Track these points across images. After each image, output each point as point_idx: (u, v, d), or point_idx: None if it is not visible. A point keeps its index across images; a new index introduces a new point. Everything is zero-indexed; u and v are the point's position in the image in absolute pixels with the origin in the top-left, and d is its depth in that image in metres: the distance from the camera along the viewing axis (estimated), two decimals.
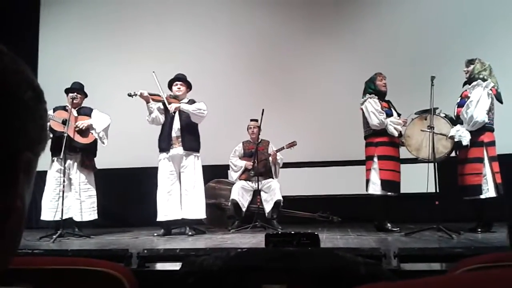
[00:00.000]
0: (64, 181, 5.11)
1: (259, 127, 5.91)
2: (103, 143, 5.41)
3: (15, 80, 0.47)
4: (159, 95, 5.26)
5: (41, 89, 0.52)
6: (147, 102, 5.24)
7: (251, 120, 6.12)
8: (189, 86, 5.44)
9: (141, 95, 5.18)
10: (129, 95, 5.23)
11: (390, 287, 0.35)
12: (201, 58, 7.21)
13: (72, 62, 7.60)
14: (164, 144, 5.28)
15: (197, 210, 5.20)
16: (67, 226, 5.10)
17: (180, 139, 5.21)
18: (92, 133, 5.35)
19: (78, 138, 5.22)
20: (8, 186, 0.47)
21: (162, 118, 5.31)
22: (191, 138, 5.24)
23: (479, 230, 4.54)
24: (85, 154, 5.34)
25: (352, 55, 6.98)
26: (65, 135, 4.96)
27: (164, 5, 7.68)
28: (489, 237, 4.22)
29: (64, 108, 5.32)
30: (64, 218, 5.00)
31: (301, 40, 7.25)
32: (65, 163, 5.15)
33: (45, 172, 5.31)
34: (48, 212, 5.12)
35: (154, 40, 7.53)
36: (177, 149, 5.22)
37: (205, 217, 5.33)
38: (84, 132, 5.28)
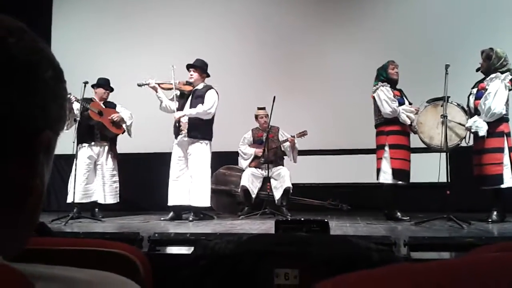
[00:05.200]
0: (90, 166, 5.60)
1: (268, 116, 5.89)
2: (129, 135, 5.85)
3: (36, 59, 0.47)
4: (169, 83, 5.30)
5: (61, 68, 0.52)
6: (156, 91, 5.30)
7: (259, 108, 6.08)
8: (203, 72, 5.40)
9: (149, 85, 5.26)
10: (139, 85, 5.35)
11: (412, 268, 0.35)
12: (213, 45, 7.17)
13: (82, 47, 7.63)
14: (175, 130, 5.34)
15: (200, 197, 5.15)
16: (87, 209, 5.54)
17: (187, 126, 5.23)
18: (122, 125, 5.75)
19: (112, 129, 5.65)
20: (28, 165, 0.47)
21: (172, 106, 5.34)
22: (197, 126, 5.20)
23: (490, 220, 4.53)
24: (112, 142, 5.77)
25: (364, 44, 6.90)
26: (94, 123, 5.50)
27: None
28: (500, 227, 4.20)
29: (91, 100, 5.62)
30: (88, 201, 5.52)
31: (313, 29, 7.19)
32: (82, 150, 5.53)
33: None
34: (77, 195, 5.33)
35: (167, 27, 7.52)
36: (184, 136, 5.25)
37: (209, 205, 5.28)
38: (117, 124, 5.68)
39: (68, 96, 5.01)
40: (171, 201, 5.25)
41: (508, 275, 0.33)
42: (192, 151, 5.23)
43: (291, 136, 5.94)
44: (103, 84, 5.74)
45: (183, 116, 5.21)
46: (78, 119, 5.22)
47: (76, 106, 5.33)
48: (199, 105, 5.20)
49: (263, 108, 6.01)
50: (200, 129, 5.23)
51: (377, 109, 5.12)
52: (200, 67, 5.38)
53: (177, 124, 5.29)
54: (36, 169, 0.48)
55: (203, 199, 5.18)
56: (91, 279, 0.47)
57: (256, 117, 6.12)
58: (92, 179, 5.60)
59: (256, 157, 6.01)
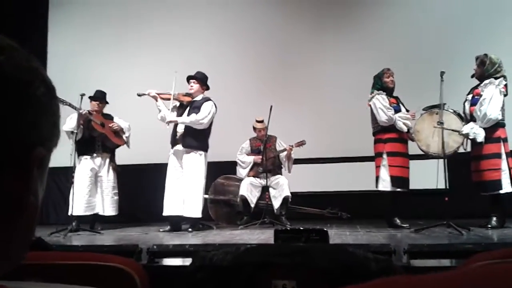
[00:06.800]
0: (92, 178, 5.63)
1: (266, 127, 5.89)
2: (128, 146, 5.91)
3: (28, 76, 0.47)
4: (168, 93, 5.36)
5: (53, 85, 0.52)
6: (156, 100, 5.40)
7: (257, 121, 6.07)
8: (204, 84, 5.45)
9: (149, 95, 5.38)
10: (139, 95, 5.48)
11: (407, 281, 0.35)
12: (209, 55, 7.20)
13: (80, 59, 7.65)
14: (171, 140, 5.40)
15: (192, 208, 5.15)
16: (86, 221, 5.53)
17: (182, 136, 5.27)
18: (122, 137, 5.82)
19: (115, 140, 5.72)
20: (21, 181, 0.47)
21: (170, 117, 5.40)
22: (192, 137, 5.23)
23: (489, 226, 4.52)
24: (112, 154, 5.82)
25: (361, 52, 6.94)
26: (97, 134, 5.58)
27: (172, 2, 7.69)
28: (499, 233, 4.19)
29: (89, 112, 5.62)
30: (91, 213, 5.55)
31: (309, 37, 7.23)
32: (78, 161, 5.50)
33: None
34: (81, 207, 5.39)
35: (164, 37, 7.55)
36: (179, 146, 5.29)
37: (200, 216, 5.25)
38: (116, 134, 5.74)
39: (81, 111, 5.12)
40: (166, 211, 5.26)
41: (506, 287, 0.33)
42: (186, 161, 5.24)
43: (289, 146, 5.94)
44: (97, 97, 5.77)
45: (175, 121, 5.26)
46: (76, 131, 5.21)
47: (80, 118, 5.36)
48: (192, 114, 5.25)
49: (262, 121, 6.01)
50: (195, 139, 5.25)
51: (374, 117, 5.14)
52: (200, 79, 5.43)
53: (174, 134, 5.34)
54: (30, 185, 0.48)
55: (195, 210, 5.17)
56: None
57: (254, 129, 6.13)
58: (94, 191, 5.65)
59: (255, 164, 6.00)
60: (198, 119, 5.21)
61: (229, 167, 6.47)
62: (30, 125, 0.47)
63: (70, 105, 5.10)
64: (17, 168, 0.46)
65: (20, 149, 0.46)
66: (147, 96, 5.42)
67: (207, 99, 5.36)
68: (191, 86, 5.40)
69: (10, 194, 0.46)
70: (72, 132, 5.19)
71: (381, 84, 5.13)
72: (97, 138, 5.62)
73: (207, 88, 5.50)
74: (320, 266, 0.88)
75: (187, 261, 2.71)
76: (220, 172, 6.30)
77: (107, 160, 5.74)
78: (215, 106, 5.35)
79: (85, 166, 5.57)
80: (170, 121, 5.28)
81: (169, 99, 5.39)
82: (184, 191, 5.20)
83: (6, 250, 0.48)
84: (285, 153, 5.98)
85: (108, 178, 5.73)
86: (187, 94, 5.43)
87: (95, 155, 5.62)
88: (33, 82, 0.48)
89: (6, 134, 0.44)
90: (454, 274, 0.36)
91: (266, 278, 0.91)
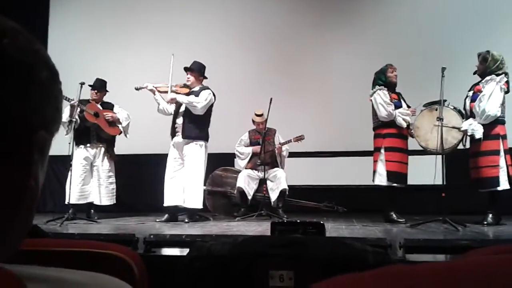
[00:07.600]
0: (87, 167, 5.64)
1: (265, 120, 5.89)
2: (126, 136, 5.87)
3: (31, 60, 0.47)
4: (166, 86, 5.35)
5: (56, 69, 0.51)
6: (153, 94, 5.41)
7: (256, 114, 6.07)
8: (200, 75, 5.43)
9: (147, 88, 5.39)
10: (136, 88, 5.48)
11: (404, 270, 0.36)
12: (212, 46, 7.19)
13: (80, 47, 7.62)
14: (171, 131, 5.39)
15: (193, 199, 5.16)
16: (82, 210, 5.56)
17: (181, 127, 5.26)
18: (118, 127, 5.78)
19: (108, 130, 5.67)
20: (22, 165, 0.47)
21: (169, 109, 5.43)
22: (192, 127, 5.23)
23: (485, 223, 4.54)
24: (109, 144, 5.77)
25: (362, 46, 6.93)
26: (90, 125, 5.54)
27: None
28: (495, 230, 4.20)
29: (88, 101, 5.65)
30: (84, 202, 5.57)
31: (311, 31, 7.21)
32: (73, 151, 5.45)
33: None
34: (74, 196, 5.42)
35: (165, 27, 7.52)
36: (179, 137, 5.28)
37: (201, 207, 5.26)
38: (111, 124, 5.69)
39: (73, 102, 5.09)
40: (166, 202, 5.27)
41: (501, 278, 0.34)
42: (186, 152, 5.23)
43: (278, 145, 5.94)
44: (95, 86, 5.75)
45: (174, 98, 5.22)
46: (74, 120, 5.21)
47: (77, 109, 5.36)
48: (191, 96, 5.24)
49: (261, 115, 6.01)
50: (195, 129, 5.24)
51: (374, 112, 5.14)
52: (196, 70, 5.40)
53: (173, 125, 5.33)
54: (31, 170, 0.48)
55: (196, 201, 5.17)
56: (83, 281, 0.47)
57: (253, 122, 6.13)
58: (88, 181, 5.64)
59: (254, 155, 6.00)
60: (193, 101, 5.18)
61: (229, 159, 6.47)
62: (33, 108, 0.47)
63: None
64: (18, 152, 0.46)
65: (22, 133, 0.46)
66: (146, 89, 5.42)
67: (205, 88, 5.35)
68: (188, 78, 5.40)
69: (10, 178, 0.45)
70: (70, 121, 5.19)
71: (385, 79, 5.11)
72: (91, 128, 5.60)
73: (204, 78, 5.48)
74: (318, 257, 0.89)
75: (184, 251, 2.72)
76: (219, 164, 6.31)
77: (102, 150, 5.71)
78: (214, 95, 5.34)
79: (79, 156, 5.56)
80: (172, 98, 5.24)
81: (166, 91, 5.38)
82: (184, 182, 5.21)
83: (6, 235, 0.48)
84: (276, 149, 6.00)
85: (103, 167, 5.70)
86: (185, 86, 5.42)
87: (89, 145, 5.61)
88: (36, 65, 0.48)
89: (8, 117, 0.44)
90: (450, 264, 0.36)
91: (263, 268, 0.91)
